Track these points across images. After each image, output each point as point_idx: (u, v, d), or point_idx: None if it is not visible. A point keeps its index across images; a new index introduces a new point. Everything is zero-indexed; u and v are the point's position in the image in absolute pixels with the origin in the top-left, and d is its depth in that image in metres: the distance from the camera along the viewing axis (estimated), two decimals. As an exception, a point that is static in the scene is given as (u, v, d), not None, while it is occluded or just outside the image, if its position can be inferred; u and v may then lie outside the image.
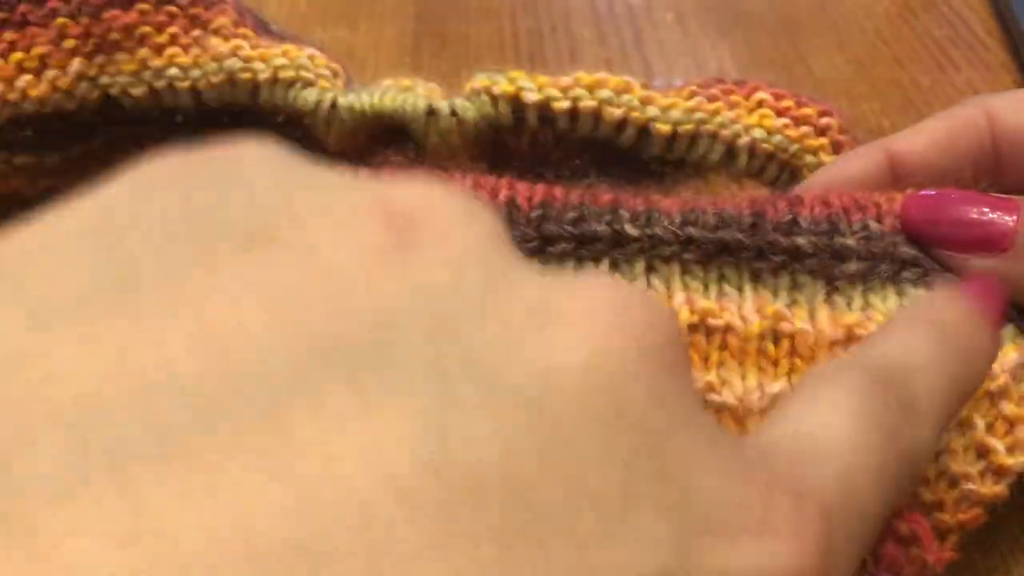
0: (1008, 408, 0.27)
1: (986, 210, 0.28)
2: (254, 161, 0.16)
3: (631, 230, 0.28)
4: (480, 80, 0.32)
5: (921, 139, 0.31)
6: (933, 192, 0.29)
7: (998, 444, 0.27)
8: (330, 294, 0.13)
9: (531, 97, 0.32)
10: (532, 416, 0.13)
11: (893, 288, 0.29)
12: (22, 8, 0.31)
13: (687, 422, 0.15)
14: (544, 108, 0.32)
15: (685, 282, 0.29)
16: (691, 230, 0.28)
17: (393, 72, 0.38)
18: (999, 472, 0.27)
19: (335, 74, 0.33)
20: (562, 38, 0.53)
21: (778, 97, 0.34)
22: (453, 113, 0.32)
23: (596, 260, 0.29)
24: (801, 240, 0.28)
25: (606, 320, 0.14)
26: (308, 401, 0.12)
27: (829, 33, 0.53)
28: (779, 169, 0.34)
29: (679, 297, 0.28)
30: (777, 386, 0.28)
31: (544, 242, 0.29)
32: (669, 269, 0.29)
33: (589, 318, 0.14)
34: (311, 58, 0.33)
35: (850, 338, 0.28)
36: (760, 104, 0.34)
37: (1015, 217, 0.28)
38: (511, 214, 0.29)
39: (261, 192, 0.15)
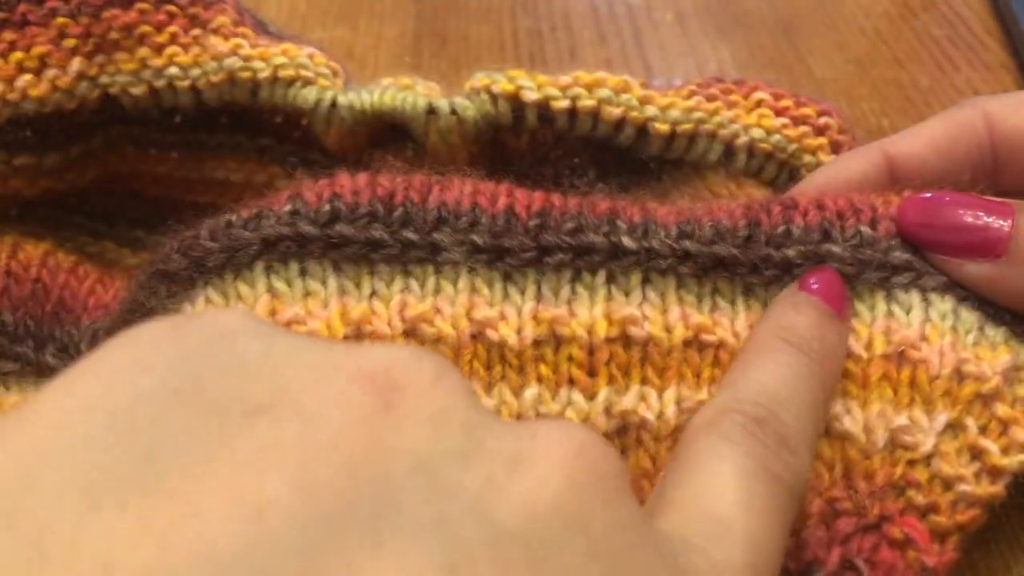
0: (1001, 410, 0.27)
1: (981, 214, 0.28)
2: (240, 332, 0.18)
3: (628, 243, 0.28)
4: (480, 79, 0.32)
5: (919, 142, 0.31)
6: (928, 195, 0.29)
7: (992, 445, 0.27)
8: (336, 457, 0.16)
9: (530, 96, 0.32)
10: (524, 545, 0.16)
11: (882, 294, 0.29)
12: (22, 8, 0.31)
13: (642, 539, 0.18)
14: (543, 107, 0.32)
15: (680, 295, 0.29)
16: (687, 244, 0.29)
17: (393, 72, 0.38)
18: (994, 473, 0.27)
19: (335, 73, 0.33)
20: (562, 38, 0.53)
21: (777, 97, 0.34)
22: (453, 112, 0.32)
23: (593, 272, 0.29)
24: (791, 252, 0.29)
25: (567, 461, 0.17)
26: (340, 560, 0.14)
27: (829, 33, 0.53)
28: (777, 168, 0.34)
29: (674, 312, 0.29)
30: None
31: (542, 252, 0.29)
32: (665, 282, 0.29)
33: (556, 461, 0.17)
34: (311, 57, 0.33)
35: None
36: (759, 104, 0.34)
37: (1010, 222, 0.27)
38: (509, 223, 0.29)
39: (254, 364, 0.17)
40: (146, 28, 0.32)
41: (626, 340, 0.28)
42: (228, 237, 0.28)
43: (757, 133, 0.33)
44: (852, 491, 0.27)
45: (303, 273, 0.28)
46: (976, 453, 0.27)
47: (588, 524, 0.17)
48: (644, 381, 0.28)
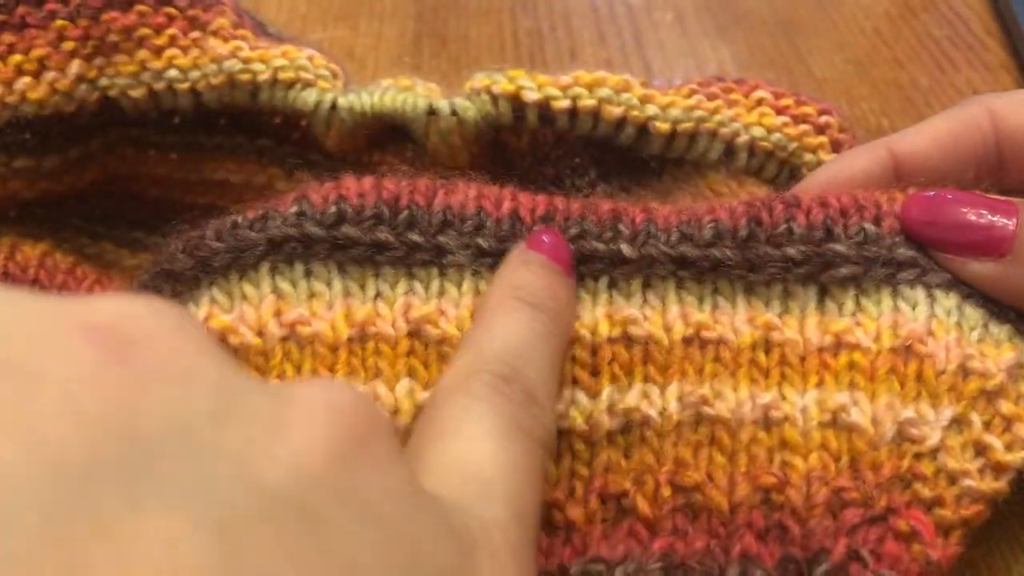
0: (1005, 407, 0.27)
1: (985, 213, 0.28)
2: None
3: (628, 252, 0.29)
4: (480, 79, 0.32)
5: (923, 139, 0.30)
6: (932, 193, 0.29)
7: (996, 441, 0.27)
8: (68, 416, 0.14)
9: (531, 96, 0.32)
10: (296, 508, 0.15)
11: (888, 290, 0.29)
12: (21, 10, 0.31)
13: (415, 500, 0.18)
14: (544, 107, 0.32)
15: (680, 296, 0.29)
16: (685, 249, 0.29)
17: (393, 72, 0.38)
18: (998, 468, 0.27)
19: (334, 75, 0.33)
20: (562, 38, 0.53)
21: (777, 96, 0.34)
22: (453, 112, 0.32)
23: (595, 278, 0.29)
24: (791, 250, 0.29)
25: (330, 423, 0.17)
26: (91, 524, 0.13)
27: (829, 33, 0.53)
28: (778, 167, 0.34)
29: (674, 311, 0.29)
30: (768, 396, 0.28)
31: None
32: (665, 286, 0.29)
33: (318, 423, 0.17)
34: (310, 59, 0.33)
35: (839, 344, 0.29)
36: (759, 102, 0.34)
37: (1015, 220, 0.27)
38: (513, 227, 0.29)
39: None
40: (145, 31, 0.32)
41: (627, 340, 0.29)
42: (234, 238, 0.28)
43: (758, 131, 0.33)
44: (860, 481, 0.27)
45: (308, 274, 0.28)
46: (980, 449, 0.27)
47: (359, 487, 0.17)
48: (646, 379, 0.28)
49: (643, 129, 0.32)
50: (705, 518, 0.27)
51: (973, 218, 0.28)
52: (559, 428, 0.27)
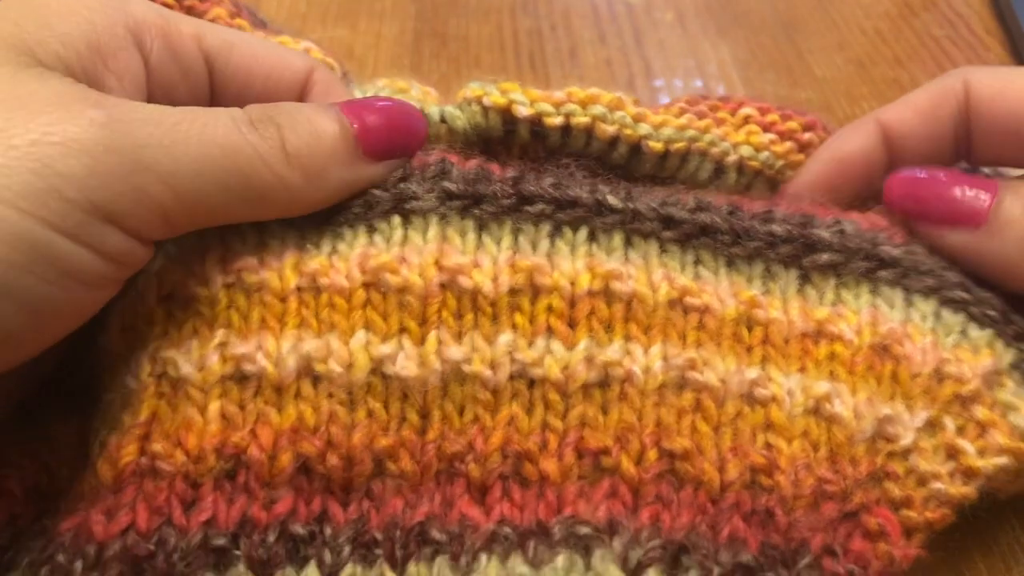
0: (980, 412, 0.28)
1: (966, 188, 0.29)
2: None
3: (613, 201, 0.28)
4: (472, 89, 0.31)
5: (907, 108, 0.32)
6: (916, 169, 0.30)
7: (968, 446, 0.27)
8: None
9: (523, 111, 0.31)
10: None
11: (868, 285, 0.29)
12: None
13: None
14: (536, 123, 0.31)
15: (663, 260, 0.29)
16: (671, 210, 0.29)
17: (393, 71, 0.38)
18: (968, 474, 0.27)
19: (330, 68, 0.33)
20: (562, 37, 0.53)
21: (763, 112, 0.34)
22: (443, 120, 0.32)
23: (574, 228, 0.29)
24: (776, 227, 0.29)
25: None
26: None
27: (829, 33, 0.53)
28: (765, 185, 0.34)
29: (658, 273, 0.29)
30: (754, 372, 0.28)
31: (521, 200, 0.28)
32: (647, 245, 0.29)
33: None
34: (307, 51, 0.33)
35: (820, 333, 0.28)
36: (746, 120, 0.34)
37: (992, 194, 0.29)
38: (482, 172, 0.28)
39: None
40: None
41: (609, 294, 0.28)
42: None
43: (746, 151, 0.33)
44: (839, 475, 0.27)
45: (261, 232, 0.28)
46: (952, 453, 0.27)
47: None
48: (628, 337, 0.28)
49: (636, 148, 0.32)
50: (691, 490, 0.26)
51: (955, 192, 0.29)
52: (532, 376, 0.27)
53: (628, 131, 0.31)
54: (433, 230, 0.28)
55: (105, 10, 0.26)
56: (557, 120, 0.31)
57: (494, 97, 0.31)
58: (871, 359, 0.28)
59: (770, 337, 0.29)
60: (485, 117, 0.31)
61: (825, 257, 0.29)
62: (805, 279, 0.29)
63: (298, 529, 0.25)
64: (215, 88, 0.29)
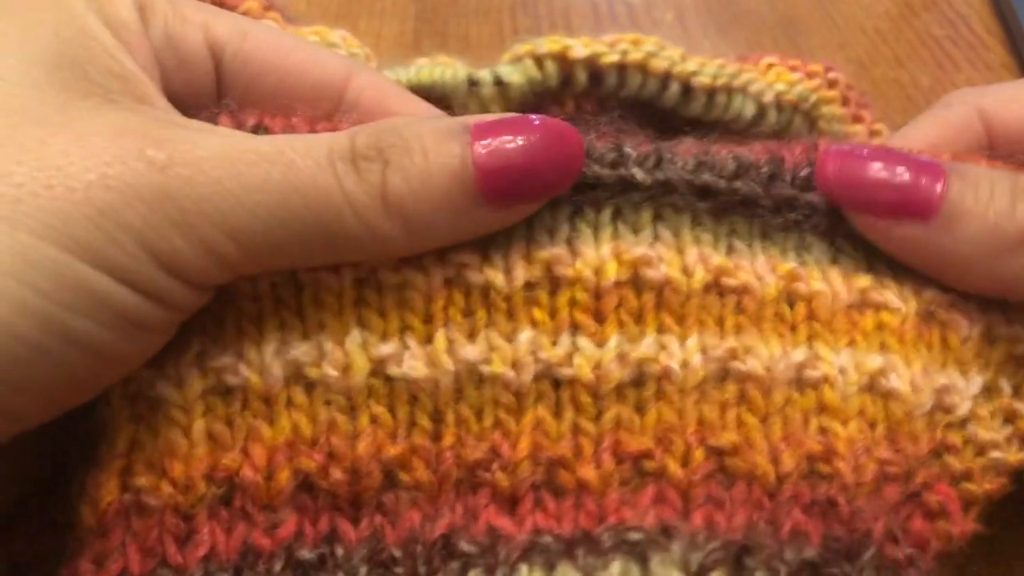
0: None
1: (904, 171, 0.25)
2: None
3: (640, 176, 0.25)
4: (520, 47, 0.31)
5: (917, 145, 0.29)
6: (849, 146, 0.27)
7: None
8: None
9: (580, 52, 0.31)
10: None
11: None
12: None
13: None
14: (592, 63, 0.31)
15: (696, 235, 0.26)
16: (707, 177, 0.26)
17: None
18: None
19: (367, 57, 0.33)
20: (562, 37, 0.53)
21: (784, 59, 0.35)
22: (498, 82, 0.31)
23: (597, 207, 0.26)
24: (814, 197, 0.26)
25: None
26: None
27: (829, 32, 0.53)
28: (804, 122, 0.34)
29: (692, 253, 0.26)
30: (801, 354, 0.25)
31: None
32: (679, 219, 0.26)
33: None
34: (343, 39, 0.33)
35: (865, 302, 0.26)
36: (771, 66, 0.34)
37: (942, 183, 0.25)
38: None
39: None
40: None
41: (638, 283, 0.25)
42: None
43: (781, 87, 0.33)
44: (900, 455, 0.25)
45: None
46: (1009, 416, 0.26)
47: None
48: (661, 329, 0.25)
49: (686, 88, 0.32)
50: (744, 486, 0.24)
51: (898, 177, 0.25)
52: (559, 377, 0.24)
53: (678, 68, 0.32)
54: None
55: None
56: (613, 58, 0.31)
57: (548, 44, 0.31)
58: (919, 327, 0.26)
59: (815, 312, 0.26)
60: (540, 69, 0.31)
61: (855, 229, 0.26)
62: (838, 250, 0.27)
63: (305, 554, 0.23)
64: (223, 80, 0.27)
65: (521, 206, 0.24)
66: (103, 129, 0.22)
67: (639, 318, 0.25)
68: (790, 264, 0.26)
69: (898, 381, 0.25)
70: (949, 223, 0.25)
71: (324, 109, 0.27)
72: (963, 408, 0.25)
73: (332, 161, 0.23)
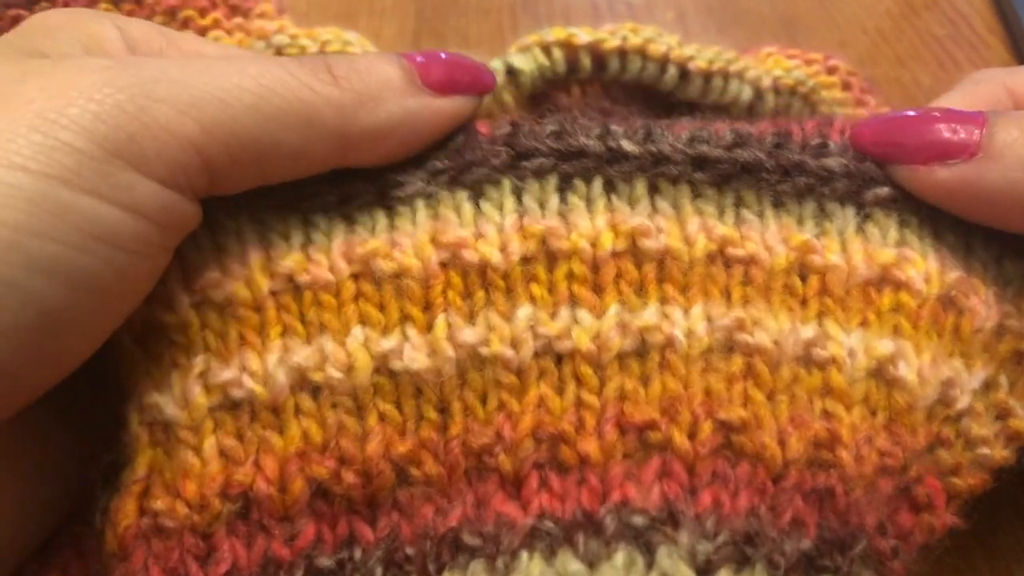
0: None
1: (948, 117, 0.26)
2: None
3: (628, 147, 0.25)
4: (527, 39, 0.34)
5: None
6: (890, 114, 0.27)
7: (1018, 407, 0.25)
8: None
9: (583, 38, 0.33)
10: None
11: (929, 228, 0.26)
12: None
13: None
14: (596, 48, 0.33)
15: (698, 206, 0.25)
16: (703, 148, 0.25)
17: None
18: (1012, 436, 0.25)
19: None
20: (562, 37, 0.53)
21: (783, 49, 0.37)
22: (509, 71, 0.33)
23: (586, 179, 0.25)
24: (831, 161, 0.25)
25: None
26: None
27: (830, 32, 0.53)
28: (802, 104, 0.36)
29: (693, 223, 0.25)
30: (810, 331, 0.25)
31: (517, 157, 0.25)
32: (677, 191, 0.25)
33: None
34: (357, 38, 0.35)
35: (885, 279, 0.25)
36: (769, 55, 0.36)
37: (981, 121, 0.25)
38: (467, 137, 0.26)
39: None
40: (189, 12, 0.32)
41: (637, 254, 0.25)
42: None
43: (778, 72, 0.35)
44: (899, 447, 0.24)
45: (213, 229, 0.25)
46: (1002, 413, 0.25)
47: None
48: (664, 300, 0.25)
49: (684, 71, 0.34)
50: (748, 466, 0.23)
51: (933, 122, 0.25)
52: (559, 351, 0.24)
53: (676, 52, 0.34)
54: (422, 213, 0.25)
55: (101, 26, 0.25)
56: (615, 43, 0.34)
57: (555, 32, 0.34)
58: (936, 311, 0.25)
59: (828, 287, 0.25)
60: (548, 56, 0.34)
61: (885, 191, 0.26)
62: (865, 217, 0.26)
63: (324, 562, 0.23)
64: None
65: (456, 95, 0.26)
66: (46, 69, 0.22)
67: (640, 289, 0.25)
68: (805, 235, 0.25)
69: (906, 370, 0.24)
70: (994, 156, 0.25)
71: None
72: (963, 402, 0.25)
73: (271, 58, 0.24)
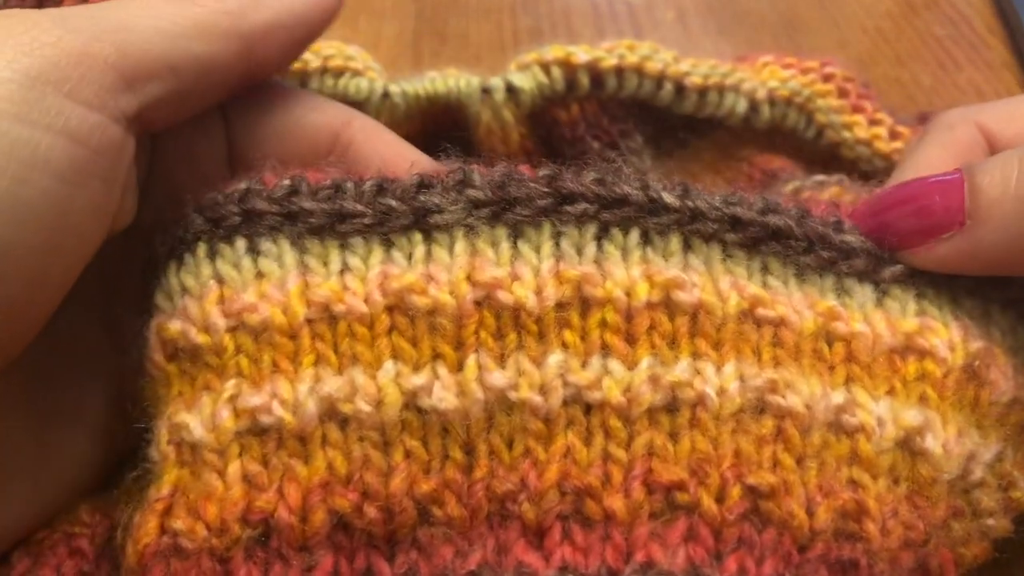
0: None
1: (927, 195, 0.26)
2: None
3: (668, 199, 0.25)
4: (527, 56, 0.35)
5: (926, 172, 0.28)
6: (869, 201, 0.27)
7: (1021, 479, 0.25)
8: None
9: (582, 58, 0.34)
10: None
11: (948, 296, 0.26)
12: None
13: None
14: (593, 67, 0.34)
15: (728, 267, 0.25)
16: (737, 209, 0.25)
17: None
18: (1012, 508, 0.25)
19: (379, 73, 0.36)
20: (562, 37, 0.53)
21: (780, 59, 0.37)
22: (509, 88, 0.34)
23: (624, 229, 0.25)
24: (850, 238, 0.26)
25: None
26: None
27: (830, 32, 0.53)
28: (798, 114, 0.36)
29: (725, 280, 0.25)
30: (839, 396, 0.24)
31: (560, 200, 0.25)
32: (709, 249, 0.25)
33: None
34: (359, 53, 0.35)
35: (909, 347, 0.25)
36: (766, 65, 0.37)
37: (960, 187, 0.25)
38: (511, 174, 0.25)
39: None
40: None
41: (670, 306, 0.24)
42: (175, 222, 0.25)
43: (773, 83, 0.36)
44: (921, 520, 0.24)
45: (253, 253, 0.25)
46: (1006, 484, 0.25)
47: None
48: (696, 355, 0.24)
49: (679, 87, 0.35)
50: (774, 533, 0.23)
51: (915, 206, 0.26)
52: (588, 401, 0.23)
53: (671, 69, 0.35)
54: (460, 244, 0.25)
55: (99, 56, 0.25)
56: (612, 61, 0.34)
57: (553, 50, 0.35)
58: (961, 381, 0.25)
59: (854, 354, 0.25)
60: (547, 74, 0.35)
61: (900, 268, 0.26)
62: (883, 293, 0.26)
63: None
64: (231, 127, 0.29)
65: None
66: None
67: (672, 342, 0.24)
68: (830, 302, 0.25)
69: (933, 443, 0.24)
70: (982, 220, 0.25)
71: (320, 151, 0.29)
72: (977, 474, 0.25)
73: None
